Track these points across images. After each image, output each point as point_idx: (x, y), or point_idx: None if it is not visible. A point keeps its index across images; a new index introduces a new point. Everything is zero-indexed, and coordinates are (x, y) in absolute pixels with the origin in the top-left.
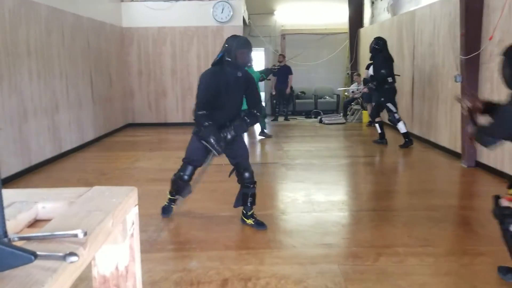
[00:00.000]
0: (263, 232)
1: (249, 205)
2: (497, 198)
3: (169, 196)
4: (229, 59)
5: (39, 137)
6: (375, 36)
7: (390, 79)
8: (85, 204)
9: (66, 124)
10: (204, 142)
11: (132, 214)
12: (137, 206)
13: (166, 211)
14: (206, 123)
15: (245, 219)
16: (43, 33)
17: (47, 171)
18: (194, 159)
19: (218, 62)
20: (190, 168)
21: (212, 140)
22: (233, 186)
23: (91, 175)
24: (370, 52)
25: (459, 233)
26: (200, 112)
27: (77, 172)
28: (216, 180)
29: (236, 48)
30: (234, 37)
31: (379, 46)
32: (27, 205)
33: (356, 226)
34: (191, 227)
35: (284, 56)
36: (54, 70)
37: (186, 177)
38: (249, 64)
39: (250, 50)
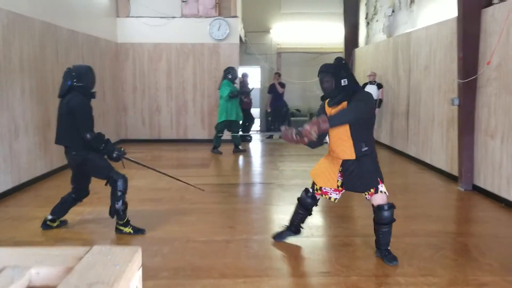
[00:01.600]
0: (260, 259)
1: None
2: None
3: (130, 228)
4: (81, 84)
5: (30, 154)
6: (369, 57)
7: None
8: (85, 273)
9: None
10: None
11: (136, 280)
12: (141, 269)
13: (139, 231)
14: (106, 139)
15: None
16: (37, 49)
17: (36, 189)
18: (108, 166)
19: (69, 89)
20: (114, 171)
21: (117, 153)
22: (229, 208)
23: None
24: None
25: (460, 262)
26: (96, 133)
27: (68, 191)
28: (211, 201)
29: (86, 73)
30: (77, 66)
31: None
32: (19, 272)
33: (355, 252)
34: (185, 252)
35: (279, 74)
36: (47, 86)
37: (123, 179)
38: (231, 78)
39: (94, 75)
